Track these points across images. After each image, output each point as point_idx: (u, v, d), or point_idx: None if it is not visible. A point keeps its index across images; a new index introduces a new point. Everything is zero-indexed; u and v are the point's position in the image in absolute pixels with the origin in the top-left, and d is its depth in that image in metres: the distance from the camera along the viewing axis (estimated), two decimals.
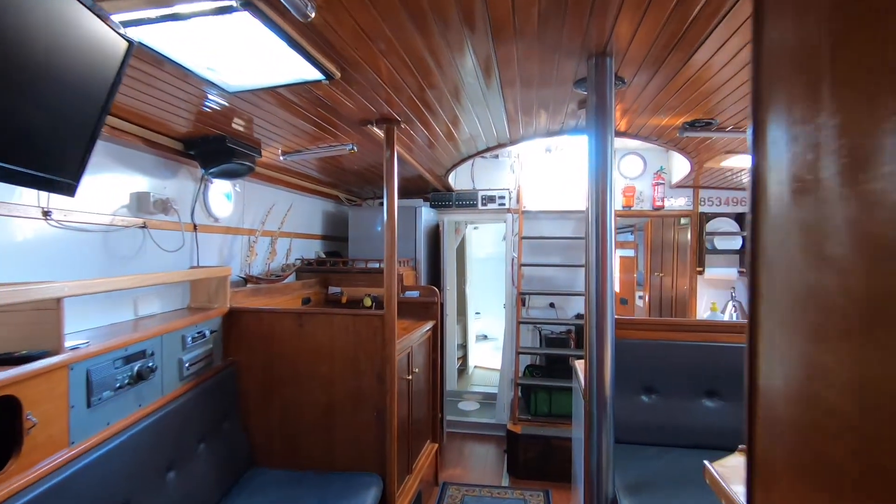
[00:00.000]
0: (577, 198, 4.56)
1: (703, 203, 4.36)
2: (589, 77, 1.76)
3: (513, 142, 3.03)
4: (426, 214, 4.28)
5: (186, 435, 2.04)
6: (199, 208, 2.73)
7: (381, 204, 4.69)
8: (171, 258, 2.41)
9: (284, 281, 3.45)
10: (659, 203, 4.34)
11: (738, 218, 4.26)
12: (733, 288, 4.09)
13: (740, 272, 4.21)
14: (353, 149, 2.81)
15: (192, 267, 2.64)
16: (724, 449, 2.09)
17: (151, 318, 2.27)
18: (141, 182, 2.30)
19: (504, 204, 4.56)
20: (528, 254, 4.52)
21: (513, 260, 4.57)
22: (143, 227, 2.28)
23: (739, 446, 1.37)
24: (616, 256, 1.73)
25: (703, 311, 4.35)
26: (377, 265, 3.83)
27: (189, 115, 2.12)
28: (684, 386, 2.09)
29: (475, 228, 7.07)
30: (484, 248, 7.14)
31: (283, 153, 2.86)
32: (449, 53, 1.66)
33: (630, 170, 4.48)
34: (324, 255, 4.20)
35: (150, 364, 1.83)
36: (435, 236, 4.52)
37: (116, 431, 1.62)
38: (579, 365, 2.74)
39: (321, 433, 2.55)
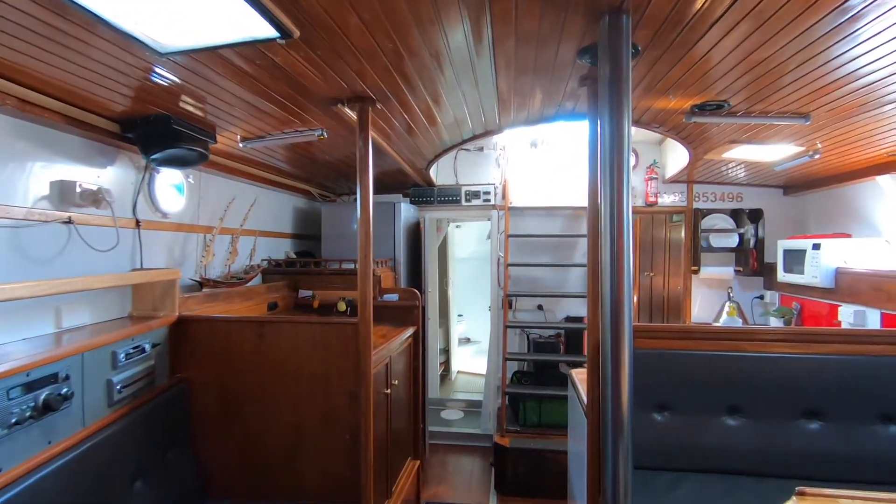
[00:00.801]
0: (566, 194, 4.30)
1: (697, 199, 4.15)
2: (601, 42, 1.47)
3: (501, 128, 2.74)
4: (406, 211, 3.96)
5: (117, 472, 1.69)
6: (144, 202, 2.37)
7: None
8: (104, 259, 2.05)
9: (248, 284, 3.09)
10: (652, 199, 4.11)
11: (734, 214, 4.07)
12: (730, 288, 3.89)
13: (737, 271, 4.01)
14: (322, 135, 2.48)
15: (135, 269, 2.27)
16: (749, 474, 1.85)
17: (79, 330, 1.90)
18: (66, 169, 1.94)
19: (489, 200, 4.27)
20: (514, 253, 4.25)
21: (499, 259, 4.29)
22: (69, 222, 1.91)
23: (797, 488, 1.10)
24: (631, 255, 1.45)
25: (698, 313, 4.14)
26: (352, 266, 3.49)
27: (125, 88, 1.77)
28: (702, 402, 1.84)
29: (457, 227, 6.78)
30: (467, 247, 6.86)
31: (243, 139, 2.52)
32: (432, 8, 1.36)
33: None
34: (294, 256, 3.84)
35: (64, 390, 1.48)
36: (415, 235, 4.21)
37: (10, 481, 1.27)
38: (578, 375, 2.47)
39: (287, 460, 2.22)
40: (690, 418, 1.83)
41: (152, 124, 2.04)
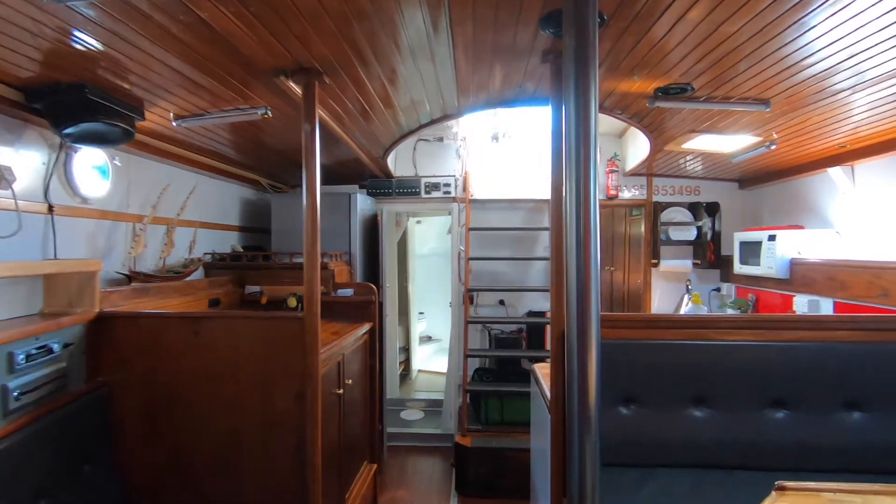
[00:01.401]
0: (528, 186, 4.23)
1: (656, 192, 4.16)
2: (566, 7, 1.36)
3: (461, 110, 2.61)
4: (362, 203, 3.78)
5: (14, 492, 1.44)
6: (59, 184, 2.10)
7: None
8: (4, 247, 1.78)
9: (188, 278, 2.83)
10: (613, 191, 4.09)
11: (692, 207, 4.09)
12: (689, 280, 3.90)
13: (695, 264, 4.03)
14: (266, 113, 2.27)
15: (48, 259, 2.00)
16: (717, 467, 1.79)
17: None
18: None
19: (450, 192, 4.14)
20: (476, 247, 4.13)
21: (459, 253, 4.16)
22: None
23: (777, 483, 1.01)
24: (598, 241, 1.33)
25: (657, 306, 4.14)
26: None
27: (30, 49, 1.53)
28: (668, 394, 1.76)
29: (418, 222, 6.62)
30: (427, 243, 6.71)
31: (177, 117, 2.28)
32: None
33: None
34: (241, 250, 3.59)
35: None
36: (373, 228, 4.02)
37: None
38: (541, 370, 2.37)
39: (225, 469, 2.00)
40: (657, 411, 1.75)
41: (63, 94, 1.79)
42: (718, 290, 4.05)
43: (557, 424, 1.83)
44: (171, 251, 2.74)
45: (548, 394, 2.04)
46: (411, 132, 2.99)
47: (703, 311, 3.05)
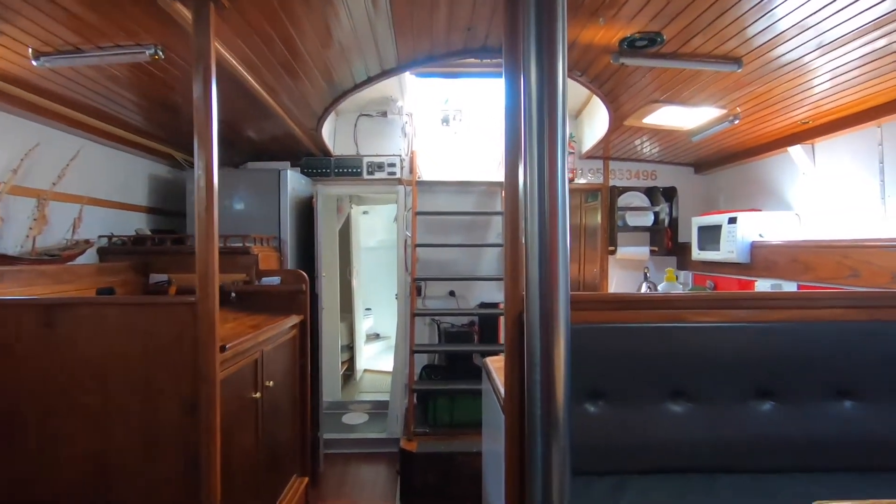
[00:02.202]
0: (480, 168, 3.93)
1: (613, 176, 3.96)
2: None
3: (401, 64, 2.26)
4: (294, 182, 3.34)
5: None
6: None
7: (238, 167, 3.66)
8: None
9: (70, 263, 2.33)
10: (568, 175, 3.84)
11: (649, 192, 3.93)
12: (646, 268, 3.72)
13: (652, 251, 3.86)
14: (156, 54, 1.83)
15: None
16: (700, 471, 1.53)
17: None
18: None
19: (395, 173, 3.77)
20: (423, 233, 3.79)
21: (406, 240, 3.81)
22: None
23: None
24: (567, 206, 1.01)
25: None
26: (223, 244, 2.81)
27: None
28: (642, 386, 1.48)
29: (365, 213, 6.21)
30: (375, 234, 6.31)
31: (38, 53, 1.79)
32: None
33: None
34: (150, 233, 3.07)
35: None
36: (308, 212, 3.59)
37: None
38: (493, 363, 2.06)
39: (90, 499, 1.56)
40: (629, 407, 1.47)
41: None
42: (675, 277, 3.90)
43: (513, 425, 1.52)
44: (44, 228, 2.22)
45: (501, 390, 1.73)
46: (346, 94, 2.60)
47: (679, 289, 2.85)
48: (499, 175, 3.90)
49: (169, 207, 3.41)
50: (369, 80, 2.42)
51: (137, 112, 2.61)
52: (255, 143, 3.47)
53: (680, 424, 1.45)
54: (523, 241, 1.35)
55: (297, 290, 2.78)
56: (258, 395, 2.10)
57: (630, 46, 1.96)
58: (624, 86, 2.41)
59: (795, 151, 2.92)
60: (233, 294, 2.72)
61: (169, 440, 1.55)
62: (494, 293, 3.84)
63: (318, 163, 3.73)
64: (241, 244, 2.79)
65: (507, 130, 1.55)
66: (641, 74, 2.28)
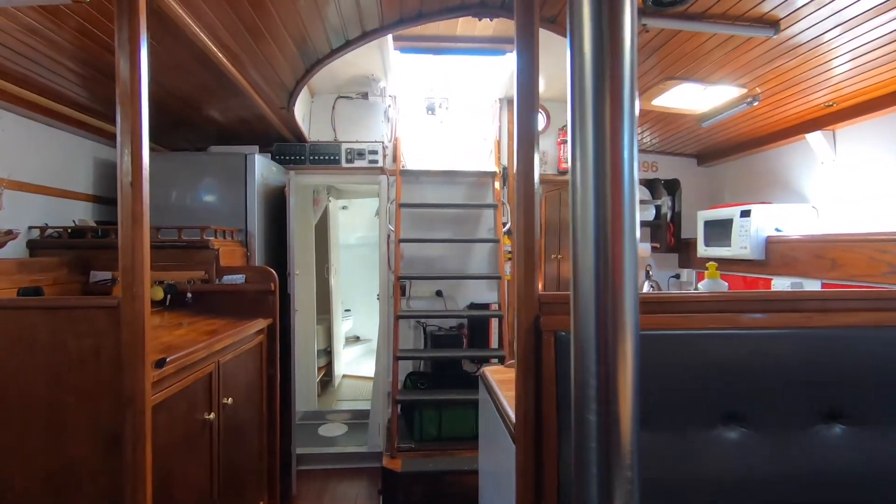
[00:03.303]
0: (470, 158, 3.62)
1: None
2: None
3: (384, 24, 1.93)
4: (263, 168, 2.98)
5: None
6: None
7: (201, 150, 3.27)
8: None
9: None
10: (565, 165, 3.56)
11: (650, 185, 3.67)
12: (649, 266, 3.46)
13: (654, 248, 3.61)
14: None
15: None
16: None
17: None
18: None
19: (377, 161, 3.43)
20: (408, 227, 3.46)
21: (389, 235, 3.47)
22: None
23: None
24: (637, 201, 0.70)
25: None
26: (176, 235, 2.44)
27: None
28: (687, 407, 1.19)
29: (344, 207, 5.84)
30: (355, 231, 5.95)
31: None
32: None
33: None
34: (94, 224, 2.68)
35: None
36: (280, 203, 3.23)
37: None
38: (494, 375, 1.76)
39: None
40: (673, 434, 1.18)
41: None
42: (677, 276, 3.66)
43: (527, 458, 1.22)
44: None
45: (509, 412, 1.42)
46: (321, 62, 2.26)
47: (724, 287, 2.56)
48: (489, 164, 3.59)
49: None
50: (348, 45, 2.08)
51: (75, 82, 2.22)
52: (220, 126, 3.10)
53: (735, 455, 1.17)
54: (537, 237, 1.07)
55: (264, 290, 2.43)
56: (212, 416, 1.74)
57: (655, 3, 1.67)
58: (640, 56, 2.13)
59: (815, 139, 2.68)
60: (188, 294, 2.35)
61: (82, 484, 1.20)
62: (485, 293, 3.54)
63: (292, 149, 3.37)
64: (198, 237, 2.42)
65: (521, 105, 1.23)
66: (662, 42, 1.99)
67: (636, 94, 0.66)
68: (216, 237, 2.53)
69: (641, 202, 3.62)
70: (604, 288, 0.65)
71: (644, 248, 3.60)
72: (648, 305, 1.27)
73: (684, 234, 3.62)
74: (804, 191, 2.88)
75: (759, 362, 1.21)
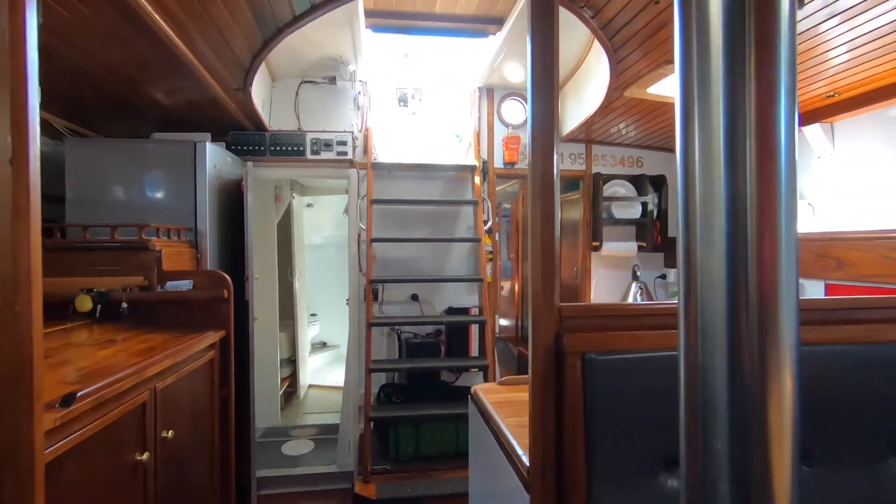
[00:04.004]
0: (447, 151, 3.36)
1: (596, 162, 3.51)
2: None
3: None
4: (217, 158, 2.63)
5: None
6: None
7: (140, 136, 2.86)
8: None
9: None
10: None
11: (636, 181, 3.50)
12: (636, 266, 3.29)
13: (640, 247, 3.44)
14: None
15: None
16: None
17: None
18: None
19: (345, 153, 3.13)
20: (381, 226, 3.17)
21: (360, 234, 3.17)
22: None
23: None
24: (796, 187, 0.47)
25: (599, 297, 3.50)
26: (108, 234, 2.08)
27: None
28: (845, 434, 0.97)
29: (309, 206, 5.48)
30: (322, 230, 5.60)
31: None
32: None
33: (511, 115, 3.43)
34: None
35: None
36: (237, 199, 2.88)
37: None
38: (487, 396, 1.51)
39: None
40: (831, 469, 0.95)
41: None
42: (664, 277, 3.51)
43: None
44: None
45: (513, 444, 1.17)
46: (282, 32, 1.95)
47: None
48: (468, 158, 3.34)
49: (45, 190, 2.60)
50: (314, 10, 1.79)
51: None
52: (167, 111, 2.73)
53: (807, 497, 0.96)
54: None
55: (216, 298, 2.10)
56: (146, 456, 1.42)
57: None
58: (645, 33, 1.92)
59: (812, 132, 2.55)
60: (123, 304, 1.99)
61: None
62: (464, 296, 3.28)
63: (250, 138, 3.03)
64: (136, 237, 2.07)
65: (537, 77, 0.99)
66: (666, 20, 1.79)
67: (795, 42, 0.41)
68: (158, 237, 2.18)
69: (627, 199, 3.45)
70: (741, 289, 0.40)
71: (630, 248, 3.43)
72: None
73: (671, 233, 3.47)
74: (799, 187, 2.76)
75: (816, 386, 1.01)
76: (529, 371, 0.98)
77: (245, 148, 3.02)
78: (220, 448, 2.12)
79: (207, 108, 2.74)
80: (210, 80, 2.27)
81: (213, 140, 2.76)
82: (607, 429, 0.94)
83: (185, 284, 2.08)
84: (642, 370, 0.96)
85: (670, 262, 3.49)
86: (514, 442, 1.18)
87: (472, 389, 1.61)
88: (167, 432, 1.57)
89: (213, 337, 2.03)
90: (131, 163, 2.48)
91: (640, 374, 0.95)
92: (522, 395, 1.59)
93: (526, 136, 3.12)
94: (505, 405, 1.46)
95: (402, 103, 3.53)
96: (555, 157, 0.97)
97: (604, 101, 2.65)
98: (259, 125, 3.02)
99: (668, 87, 2.41)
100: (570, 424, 0.95)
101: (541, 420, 0.95)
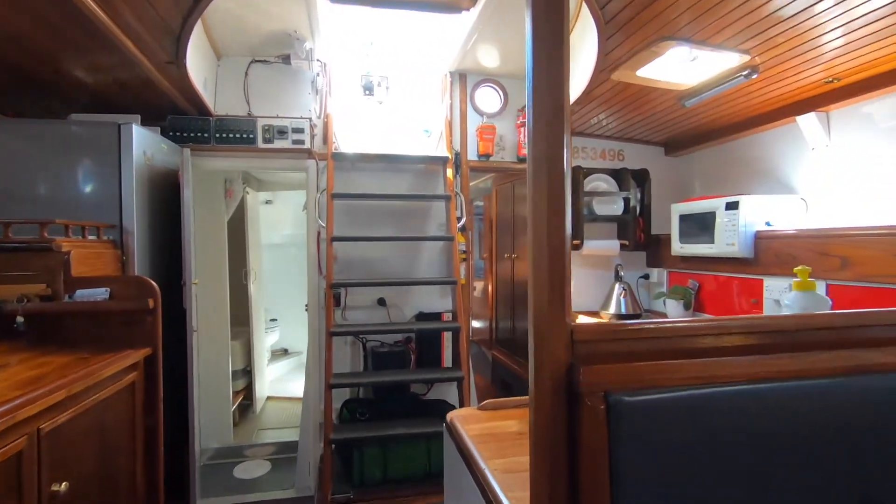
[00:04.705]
0: (417, 141, 3.08)
1: (576, 154, 3.29)
2: None
3: None
4: (148, 144, 2.27)
5: None
6: None
7: (63, 117, 2.45)
8: None
9: None
10: (526, 151, 3.10)
11: (616, 175, 3.29)
12: (620, 266, 3.08)
13: (623, 245, 3.24)
14: None
15: None
16: None
17: None
18: None
19: (302, 142, 2.79)
20: (343, 223, 2.86)
21: (319, 233, 2.85)
22: None
23: None
24: None
25: (579, 301, 3.28)
26: (7, 235, 1.70)
27: None
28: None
29: (268, 202, 5.10)
30: (282, 228, 5.22)
31: None
32: None
33: (485, 104, 3.17)
34: None
35: None
36: (174, 192, 2.50)
37: None
38: (463, 426, 1.25)
39: None
40: None
41: None
42: (647, 277, 3.32)
43: None
44: None
45: (501, 497, 0.90)
46: None
47: (827, 304, 2.09)
48: (440, 149, 3.06)
49: None
50: None
51: None
52: (93, 91, 2.35)
53: None
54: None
55: (139, 309, 1.75)
56: None
57: None
58: (640, 3, 1.68)
59: (807, 122, 2.39)
60: (18, 318, 1.63)
61: None
62: (436, 300, 3.00)
63: (191, 123, 2.66)
64: (36, 235, 1.70)
65: (541, 30, 0.70)
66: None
67: None
68: (69, 236, 1.81)
69: (609, 194, 3.24)
70: None
71: (612, 246, 3.22)
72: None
73: (654, 230, 3.28)
74: (791, 181, 2.60)
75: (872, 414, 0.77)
76: (530, 419, 0.71)
77: (186, 135, 2.65)
78: (146, 487, 1.77)
79: (141, 90, 2.37)
80: (135, 50, 1.91)
81: (149, 125, 2.40)
82: (646, 500, 0.67)
83: (99, 293, 1.73)
84: (691, 415, 0.70)
85: (653, 261, 3.31)
86: (503, 498, 0.91)
87: (448, 418, 1.34)
88: (59, 485, 1.23)
89: (135, 356, 1.69)
90: (42, 148, 2.10)
91: (687, 422, 0.70)
92: (509, 424, 1.33)
93: (502, 127, 2.83)
94: (489, 440, 1.19)
95: (367, 91, 3.21)
96: (566, 129, 0.70)
97: (587, 88, 2.42)
98: (202, 109, 2.66)
99: (658, 69, 2.20)
100: (588, 493, 0.68)
101: (547, 490, 0.68)
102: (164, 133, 2.56)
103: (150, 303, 1.75)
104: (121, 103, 2.49)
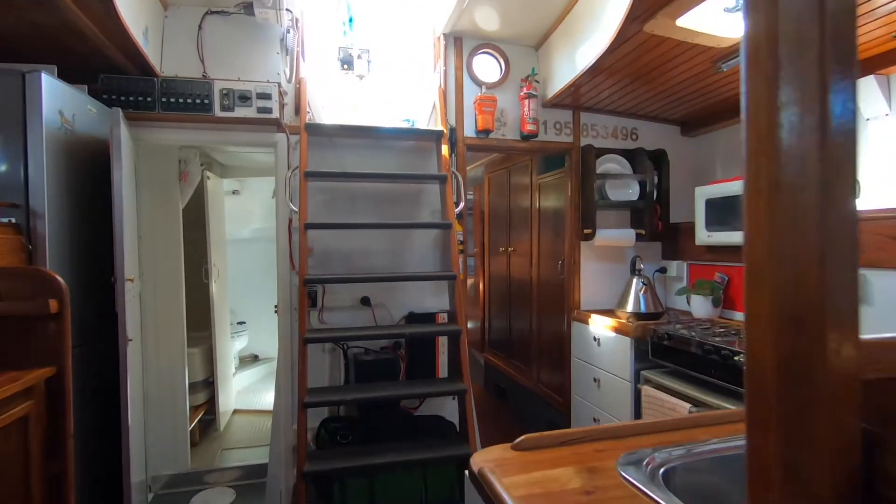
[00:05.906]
0: (407, 110, 2.65)
1: (585, 133, 2.91)
2: None
3: None
4: (64, 102, 1.79)
5: None
6: None
7: None
8: None
9: None
10: (531, 127, 2.70)
11: (630, 155, 2.92)
12: (638, 258, 2.71)
13: (639, 234, 2.87)
14: None
15: None
16: None
17: None
18: None
19: (270, 110, 2.33)
20: (320, 209, 2.41)
21: (290, 221, 2.39)
22: None
23: None
24: None
25: (590, 299, 2.90)
26: None
27: None
28: None
29: (235, 192, 4.58)
30: (251, 221, 4.71)
31: None
32: None
33: (484, 73, 2.76)
34: None
35: None
36: (104, 167, 2.01)
37: None
38: (497, 469, 0.82)
39: None
40: None
41: None
42: (663, 270, 2.96)
43: None
44: None
45: None
46: None
47: None
48: (432, 123, 2.64)
49: None
50: None
51: None
52: (5, 39, 1.85)
53: None
54: None
55: (35, 315, 1.27)
56: None
57: None
58: None
59: (865, 86, 2.05)
60: None
61: None
62: (429, 299, 2.58)
63: (130, 85, 2.17)
64: None
65: None
66: None
67: None
68: None
69: (622, 177, 2.87)
70: None
71: (627, 236, 2.85)
72: None
73: (673, 218, 2.92)
74: None
75: None
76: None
77: (124, 98, 2.16)
78: None
79: (63, 36, 1.88)
80: None
81: (75, 83, 1.91)
82: None
83: None
84: None
85: (671, 253, 2.95)
86: None
87: (476, 467, 0.91)
88: None
89: (30, 378, 1.22)
90: None
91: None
92: (563, 475, 0.91)
93: (503, 100, 2.38)
94: (540, 499, 0.78)
95: (345, 66, 2.77)
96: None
97: (613, 42, 2.03)
98: (144, 69, 2.17)
99: (701, 19, 1.82)
100: None
101: None
102: (95, 96, 2.07)
103: (53, 305, 1.28)
104: (37, 54, 1.99)
